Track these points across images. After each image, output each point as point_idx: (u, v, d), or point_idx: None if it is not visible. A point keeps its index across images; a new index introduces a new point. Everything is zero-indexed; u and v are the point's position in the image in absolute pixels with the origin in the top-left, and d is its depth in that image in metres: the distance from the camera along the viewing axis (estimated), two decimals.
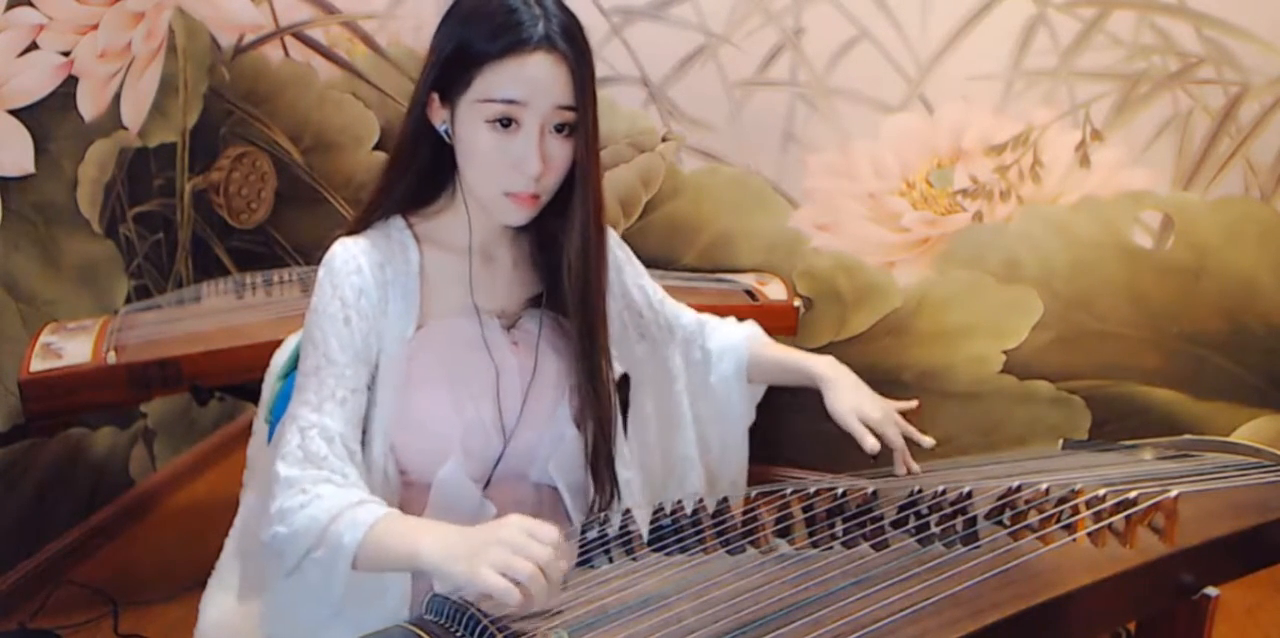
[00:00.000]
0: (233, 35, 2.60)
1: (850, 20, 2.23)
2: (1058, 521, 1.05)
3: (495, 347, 1.19)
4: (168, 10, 2.47)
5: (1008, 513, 1.06)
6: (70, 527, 2.29)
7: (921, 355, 2.41)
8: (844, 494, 1.09)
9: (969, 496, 1.07)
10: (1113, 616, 1.06)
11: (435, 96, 1.13)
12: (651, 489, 1.32)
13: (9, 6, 2.01)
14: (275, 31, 2.58)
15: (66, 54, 2.16)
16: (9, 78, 2.03)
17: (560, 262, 1.19)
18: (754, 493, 1.12)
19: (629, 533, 1.07)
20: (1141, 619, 1.20)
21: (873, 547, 1.03)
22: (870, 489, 1.11)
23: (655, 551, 1.05)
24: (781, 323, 2.29)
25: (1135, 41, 2.11)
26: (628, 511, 1.11)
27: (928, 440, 1.26)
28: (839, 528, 1.05)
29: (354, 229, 1.18)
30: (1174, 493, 1.04)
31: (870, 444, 1.22)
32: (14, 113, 2.06)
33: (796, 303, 2.35)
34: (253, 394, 1.46)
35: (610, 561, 1.04)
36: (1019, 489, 1.09)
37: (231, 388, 2.10)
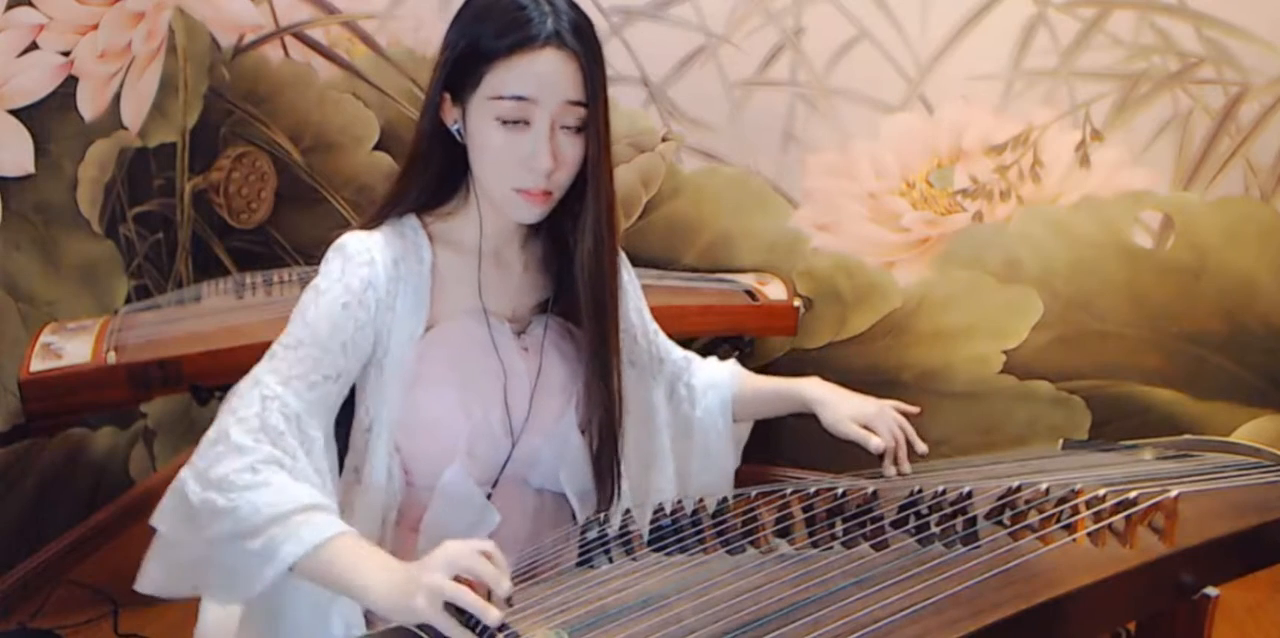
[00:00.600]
0: (233, 35, 2.60)
1: (850, 20, 2.23)
2: (1058, 521, 1.05)
3: (504, 350, 1.18)
4: (168, 10, 2.46)
5: (1008, 513, 1.06)
6: (70, 527, 2.28)
7: (921, 355, 2.41)
8: (844, 494, 1.09)
9: (969, 496, 1.07)
10: (1113, 616, 1.06)
11: (447, 96, 1.12)
12: None
13: (9, 6, 2.00)
14: (275, 31, 2.58)
15: (66, 54, 2.16)
16: (9, 78, 2.03)
17: (572, 263, 1.18)
18: (754, 493, 1.12)
19: (629, 533, 1.07)
20: (1141, 619, 1.20)
21: (873, 547, 1.03)
22: (870, 489, 1.11)
23: (655, 551, 1.04)
24: (781, 323, 2.29)
25: (1135, 41, 2.11)
26: (628, 511, 1.11)
27: (922, 447, 1.26)
28: (839, 528, 1.05)
29: (367, 226, 1.17)
30: (1174, 493, 1.04)
31: (875, 444, 1.23)
32: (14, 113, 2.06)
33: (796, 303, 2.35)
34: None
35: (610, 561, 1.04)
36: (1019, 489, 1.09)
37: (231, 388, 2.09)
